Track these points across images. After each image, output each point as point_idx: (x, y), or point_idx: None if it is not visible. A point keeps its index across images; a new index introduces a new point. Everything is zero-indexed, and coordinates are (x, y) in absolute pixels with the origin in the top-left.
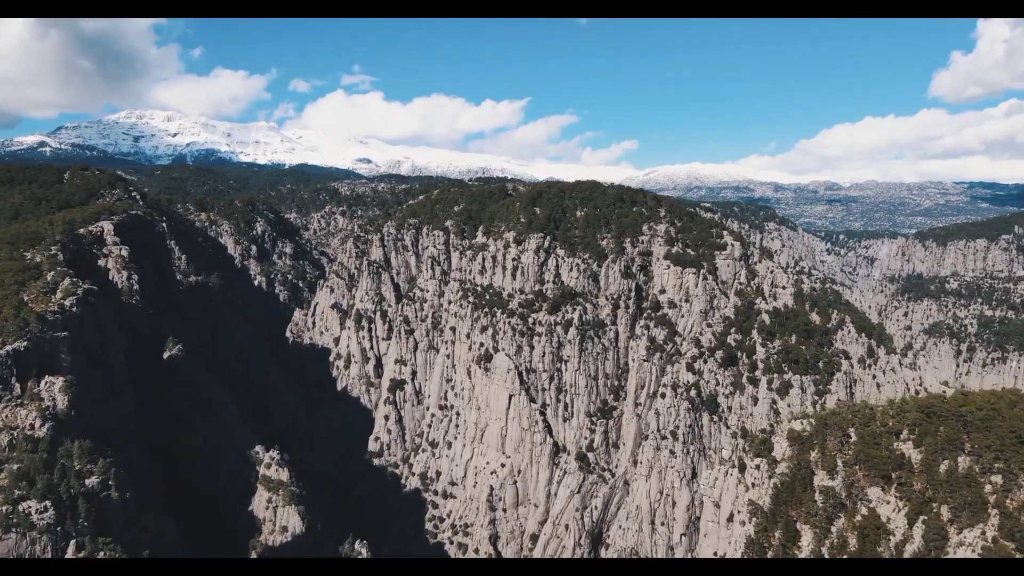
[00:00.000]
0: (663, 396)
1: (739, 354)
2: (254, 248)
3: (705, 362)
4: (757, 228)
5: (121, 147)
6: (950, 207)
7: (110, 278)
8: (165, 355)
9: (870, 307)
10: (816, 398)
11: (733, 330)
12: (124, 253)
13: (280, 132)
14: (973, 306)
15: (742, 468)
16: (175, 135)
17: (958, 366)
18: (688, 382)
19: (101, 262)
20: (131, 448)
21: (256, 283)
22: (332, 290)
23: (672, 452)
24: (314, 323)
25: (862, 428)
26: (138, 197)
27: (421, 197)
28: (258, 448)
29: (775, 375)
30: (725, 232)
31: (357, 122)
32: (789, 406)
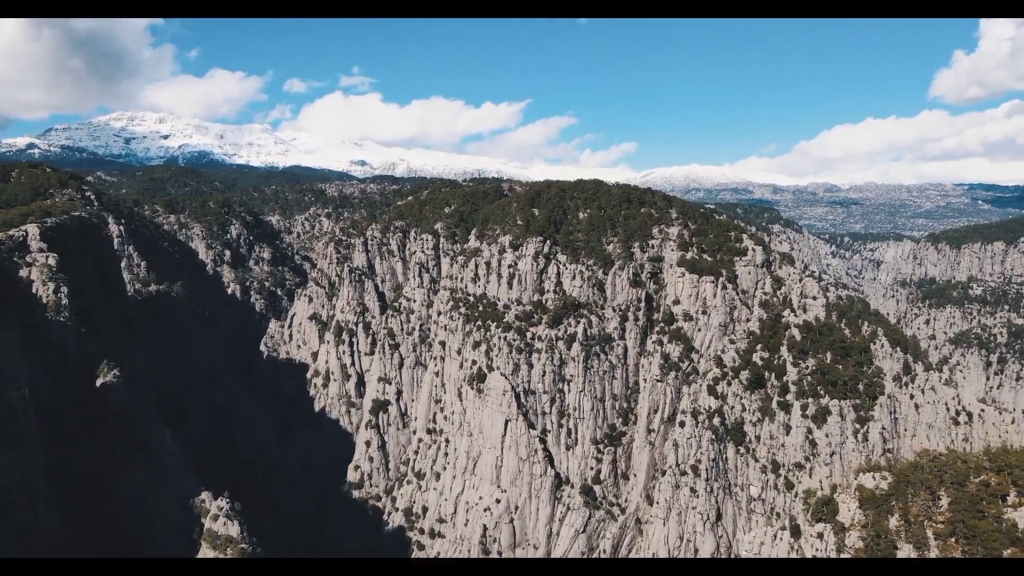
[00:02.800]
0: (682, 425)
1: (767, 375)
2: (228, 253)
3: (729, 384)
4: (763, 231)
5: (112, 149)
6: (951, 209)
7: (33, 291)
8: (98, 382)
9: (888, 314)
10: (857, 426)
11: (759, 347)
12: (52, 262)
13: (274, 134)
14: (1000, 313)
15: (796, 532)
16: (167, 137)
17: (988, 379)
18: (710, 408)
19: (23, 272)
20: (36, 507)
21: (229, 291)
22: (311, 299)
23: (693, 490)
24: (291, 336)
25: (956, 489)
26: (92, 198)
27: (410, 198)
28: (204, 496)
29: (810, 399)
30: (744, 236)
31: (354, 124)
32: (827, 436)
